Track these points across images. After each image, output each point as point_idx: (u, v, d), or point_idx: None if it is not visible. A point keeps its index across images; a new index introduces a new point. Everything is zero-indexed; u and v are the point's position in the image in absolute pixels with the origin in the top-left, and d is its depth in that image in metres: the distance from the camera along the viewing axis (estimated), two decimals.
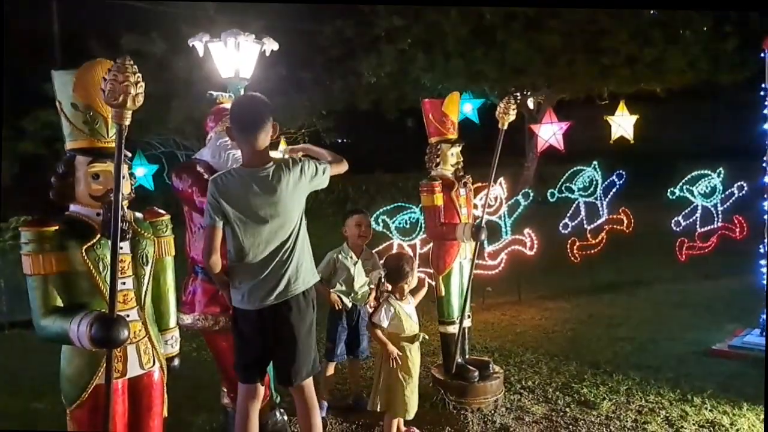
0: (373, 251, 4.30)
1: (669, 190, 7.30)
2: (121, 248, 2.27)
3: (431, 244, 4.29)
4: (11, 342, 6.02)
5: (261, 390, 3.00)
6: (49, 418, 3.90)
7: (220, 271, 2.84)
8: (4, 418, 4.18)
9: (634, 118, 10.35)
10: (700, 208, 7.31)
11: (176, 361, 2.71)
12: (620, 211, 7.11)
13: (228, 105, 3.58)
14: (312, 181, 2.90)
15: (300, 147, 3.20)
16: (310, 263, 2.95)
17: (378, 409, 3.48)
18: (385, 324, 3.40)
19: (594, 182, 6.95)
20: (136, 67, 2.05)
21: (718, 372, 4.48)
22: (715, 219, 7.38)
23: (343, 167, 3.09)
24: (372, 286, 3.98)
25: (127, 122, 2.08)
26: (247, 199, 2.75)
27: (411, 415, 3.48)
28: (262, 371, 2.98)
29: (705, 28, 11.37)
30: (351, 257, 3.97)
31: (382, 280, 3.57)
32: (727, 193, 7.35)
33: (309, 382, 2.99)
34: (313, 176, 2.90)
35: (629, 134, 10.28)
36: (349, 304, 3.96)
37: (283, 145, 8.55)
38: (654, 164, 12.18)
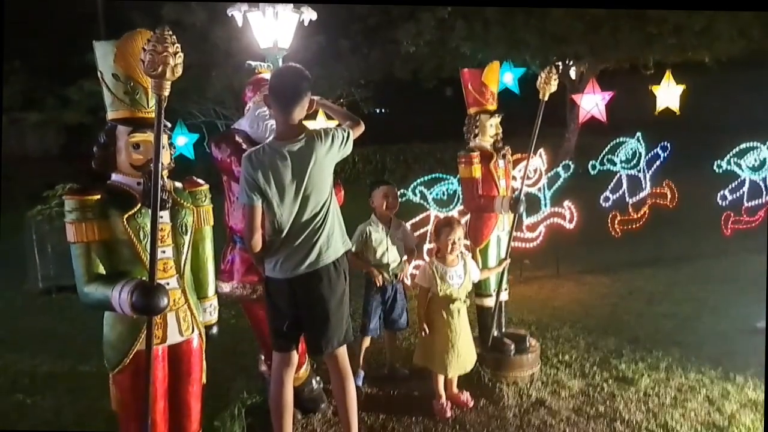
0: (407, 223, 4.25)
1: (715, 163, 7.05)
2: (161, 217, 2.31)
3: (468, 216, 4.24)
4: (59, 305, 6.24)
5: (295, 358, 3.04)
6: (95, 381, 4.05)
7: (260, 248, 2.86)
8: (51, 380, 4.35)
9: (681, 88, 9.97)
10: (747, 181, 7.04)
11: (215, 329, 2.75)
12: (664, 184, 6.89)
13: (266, 75, 3.57)
14: (340, 149, 2.89)
15: (316, 100, 3.13)
16: (340, 232, 2.95)
17: (414, 361, 3.75)
18: (420, 281, 3.63)
19: (637, 154, 6.74)
20: (175, 37, 2.05)
21: (762, 350, 4.35)
22: (763, 193, 7.10)
23: (360, 129, 3.05)
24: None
25: (167, 93, 2.09)
26: (282, 172, 2.75)
27: (450, 375, 3.63)
28: (295, 340, 3.01)
29: None
30: (381, 228, 3.93)
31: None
32: None
33: (342, 352, 3.01)
34: (340, 145, 2.89)
35: (675, 105, 9.92)
36: (389, 278, 3.96)
37: (321, 116, 8.55)
38: (700, 136, 11.77)
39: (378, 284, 3.91)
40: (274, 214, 2.80)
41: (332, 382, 3.09)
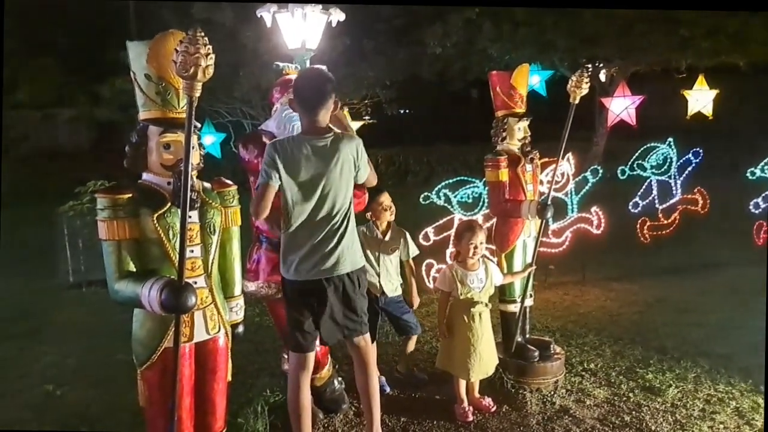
0: (431, 227, 4.21)
1: (749, 170, 6.91)
2: (190, 217, 2.34)
3: (494, 220, 4.21)
4: (89, 299, 6.35)
5: (312, 360, 3.04)
6: (123, 375, 4.10)
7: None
8: (80, 372, 4.43)
9: (714, 92, 9.81)
10: None
11: (240, 328, 2.78)
12: (695, 190, 6.78)
13: (294, 76, 3.59)
14: (360, 166, 2.91)
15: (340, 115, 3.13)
16: (358, 247, 2.98)
17: (437, 365, 3.73)
18: (440, 285, 3.63)
19: (668, 160, 6.65)
20: (207, 39, 2.06)
21: None
22: None
23: (374, 180, 3.11)
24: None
25: (198, 94, 2.11)
26: (302, 164, 2.78)
27: (472, 378, 3.62)
28: (312, 341, 3.00)
29: None
30: (377, 236, 3.92)
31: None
32: None
33: (365, 344, 3.04)
34: (363, 163, 2.92)
35: (708, 110, 9.76)
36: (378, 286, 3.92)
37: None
38: (733, 142, 11.57)
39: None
40: (288, 205, 2.81)
41: (356, 375, 3.11)
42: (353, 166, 2.89)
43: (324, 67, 2.97)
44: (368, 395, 3.08)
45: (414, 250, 4.08)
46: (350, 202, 2.93)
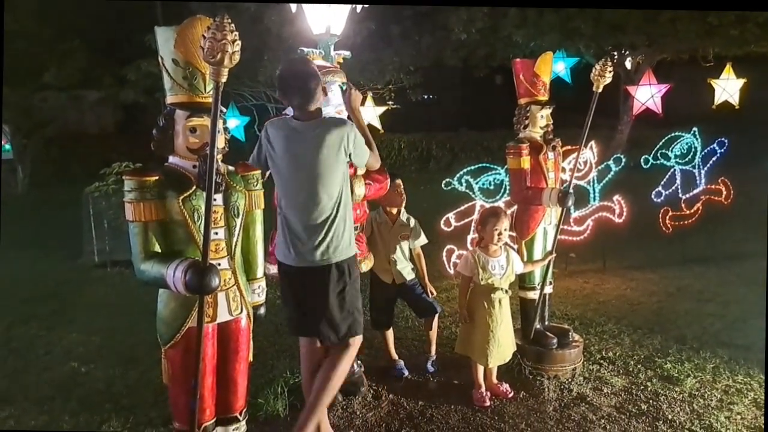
0: (452, 212, 4.19)
1: None
2: (215, 200, 2.38)
3: (515, 207, 4.21)
4: (113, 279, 6.48)
5: (316, 343, 3.03)
6: (146, 353, 4.21)
7: None
8: (104, 350, 4.54)
9: (741, 81, 9.61)
10: None
11: (262, 310, 2.83)
12: (719, 181, 6.67)
13: (319, 61, 3.62)
14: (352, 151, 2.88)
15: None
16: (349, 237, 2.93)
17: (456, 350, 3.77)
18: (461, 269, 3.65)
19: (693, 149, 6.55)
20: (233, 25, 2.09)
21: None
22: None
23: (377, 164, 3.17)
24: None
25: (224, 79, 2.14)
26: (282, 145, 2.84)
27: (491, 364, 3.64)
28: (308, 325, 2.98)
29: None
30: (385, 223, 3.95)
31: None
32: None
33: (353, 344, 3.00)
34: (357, 148, 2.90)
35: (735, 99, 9.57)
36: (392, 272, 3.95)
37: (369, 101, 8.58)
38: (760, 132, 11.33)
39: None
40: (278, 184, 2.90)
41: (322, 369, 2.99)
42: (342, 151, 2.83)
43: (308, 58, 3.01)
44: (320, 391, 2.94)
45: (423, 239, 4.11)
46: (342, 189, 2.88)
